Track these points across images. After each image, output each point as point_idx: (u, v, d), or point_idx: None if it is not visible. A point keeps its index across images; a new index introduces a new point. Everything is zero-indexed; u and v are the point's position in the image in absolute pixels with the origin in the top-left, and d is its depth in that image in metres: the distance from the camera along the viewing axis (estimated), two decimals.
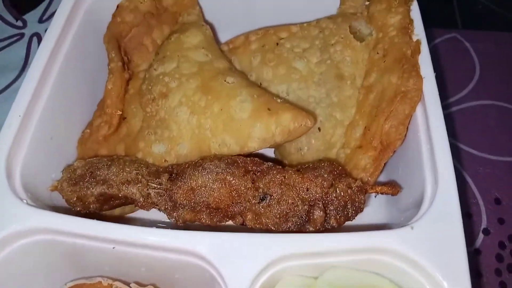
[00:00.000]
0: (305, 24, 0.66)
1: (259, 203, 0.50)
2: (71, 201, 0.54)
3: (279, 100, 0.56)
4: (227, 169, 0.52)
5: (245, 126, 0.55)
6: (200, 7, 0.70)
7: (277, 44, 0.65)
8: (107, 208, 0.57)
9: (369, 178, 0.54)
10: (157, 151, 0.59)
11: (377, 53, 0.60)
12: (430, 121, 0.51)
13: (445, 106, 0.73)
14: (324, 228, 0.50)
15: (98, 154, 0.64)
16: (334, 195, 0.49)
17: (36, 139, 0.56)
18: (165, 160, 0.59)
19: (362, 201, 0.50)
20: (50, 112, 0.59)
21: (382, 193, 0.52)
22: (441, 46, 0.80)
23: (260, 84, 0.64)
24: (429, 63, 0.55)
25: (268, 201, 0.50)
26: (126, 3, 0.66)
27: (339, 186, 0.50)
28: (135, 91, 0.64)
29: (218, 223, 0.53)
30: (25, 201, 0.50)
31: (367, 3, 0.66)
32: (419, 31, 0.58)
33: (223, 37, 0.74)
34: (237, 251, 0.46)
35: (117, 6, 0.66)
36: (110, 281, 0.50)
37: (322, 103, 0.61)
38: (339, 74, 0.61)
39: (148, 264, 0.49)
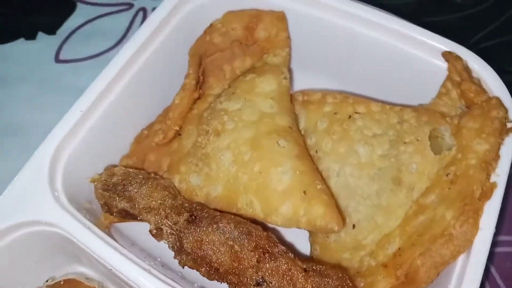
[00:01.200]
0: (388, 107, 0.61)
1: (254, 286, 0.50)
2: (99, 202, 0.58)
3: (319, 186, 0.54)
4: (238, 238, 0.51)
5: (275, 199, 0.54)
6: (290, 49, 0.67)
7: (350, 117, 0.61)
8: (130, 219, 0.60)
9: None
10: (193, 182, 0.60)
11: (447, 174, 0.53)
12: (464, 282, 0.46)
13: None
14: None
15: (146, 159, 0.66)
16: None
17: (92, 133, 0.59)
18: (195, 194, 0.59)
19: None
20: (116, 109, 0.62)
21: None
22: None
23: (316, 151, 0.61)
24: (495, 215, 0.48)
25: (262, 285, 0.49)
26: (219, 25, 0.66)
27: None
28: (199, 112, 0.65)
29: (215, 280, 0.53)
30: (56, 193, 0.54)
31: (465, 107, 0.59)
32: (501, 172, 0.51)
33: (302, 78, 0.72)
34: None
35: (210, 25, 0.66)
36: None
37: (368, 201, 0.56)
38: (398, 178, 0.56)
39: None
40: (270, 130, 0.58)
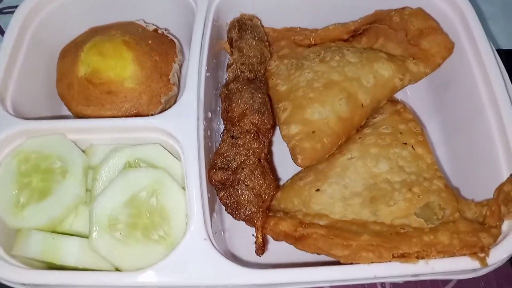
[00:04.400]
0: (436, 167, 0.64)
1: (230, 135, 0.64)
2: (229, 25, 0.78)
3: (325, 140, 0.64)
4: (254, 109, 0.65)
5: (297, 119, 0.66)
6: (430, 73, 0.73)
7: (405, 144, 0.66)
8: (230, 48, 0.78)
9: None
10: (279, 71, 0.74)
11: (402, 227, 0.58)
12: None
13: None
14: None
15: (280, 41, 0.82)
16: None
17: None
18: (272, 78, 0.74)
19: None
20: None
21: None
22: None
23: (359, 138, 0.69)
24: None
25: (234, 139, 0.64)
26: (406, 12, 0.75)
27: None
28: (332, 46, 0.77)
29: (221, 118, 0.69)
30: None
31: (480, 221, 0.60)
32: None
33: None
34: None
35: (404, 7, 0.75)
36: None
37: (344, 190, 0.63)
38: (376, 200, 0.62)
39: None
40: (346, 89, 0.67)
